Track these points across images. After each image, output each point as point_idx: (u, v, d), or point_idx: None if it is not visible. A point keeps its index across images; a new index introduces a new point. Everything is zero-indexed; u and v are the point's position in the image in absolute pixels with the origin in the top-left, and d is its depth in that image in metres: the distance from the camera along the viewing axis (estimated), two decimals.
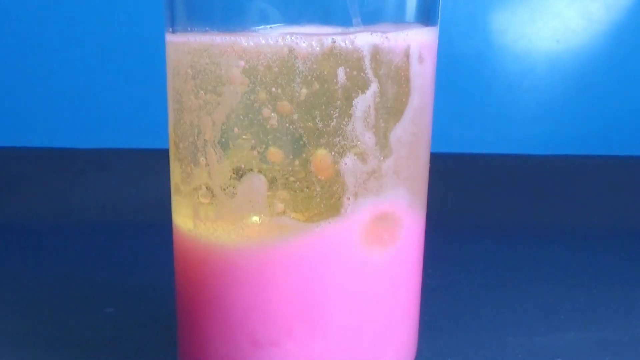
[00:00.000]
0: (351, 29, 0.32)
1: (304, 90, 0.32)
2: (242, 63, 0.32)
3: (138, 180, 0.80)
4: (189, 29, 0.34)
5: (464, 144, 0.83)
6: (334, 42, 0.32)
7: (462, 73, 0.83)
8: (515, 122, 0.84)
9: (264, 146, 0.33)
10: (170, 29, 0.36)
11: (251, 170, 0.33)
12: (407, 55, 0.33)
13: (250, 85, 0.32)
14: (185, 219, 0.36)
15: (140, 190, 0.78)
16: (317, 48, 0.32)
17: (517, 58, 0.83)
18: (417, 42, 0.34)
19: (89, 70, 0.83)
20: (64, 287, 0.55)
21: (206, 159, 0.34)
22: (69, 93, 0.83)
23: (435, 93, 0.37)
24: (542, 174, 0.82)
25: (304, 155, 0.33)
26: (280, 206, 0.33)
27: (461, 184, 0.80)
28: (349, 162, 0.33)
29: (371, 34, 0.32)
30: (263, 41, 0.32)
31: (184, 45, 0.34)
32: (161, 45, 0.37)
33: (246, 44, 0.32)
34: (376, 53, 0.33)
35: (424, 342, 0.42)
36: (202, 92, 0.34)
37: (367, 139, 0.33)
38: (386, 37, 0.33)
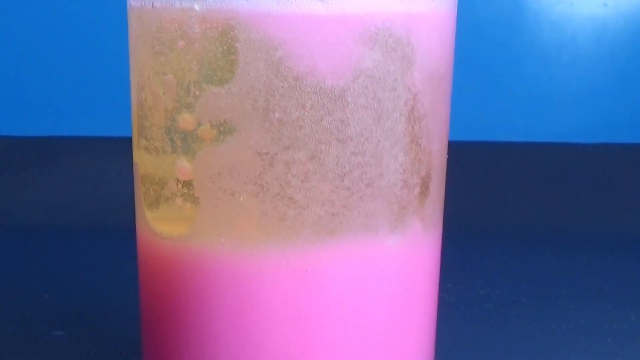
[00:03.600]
0: None
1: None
2: (228, 31, 0.33)
3: (93, 176, 0.80)
4: None
5: (489, 131, 0.84)
6: None
7: (487, 44, 0.84)
8: (553, 104, 0.85)
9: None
10: None
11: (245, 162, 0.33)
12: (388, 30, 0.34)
13: (237, 57, 0.33)
14: (156, 221, 0.36)
15: (95, 188, 0.78)
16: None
17: (555, 25, 0.83)
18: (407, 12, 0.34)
19: (32, 41, 0.83)
20: (3, 307, 0.55)
21: (178, 148, 0.34)
22: (5, 70, 0.83)
23: (454, 68, 0.38)
24: (586, 166, 0.82)
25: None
26: (286, 207, 0.33)
27: (486, 179, 0.80)
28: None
29: None
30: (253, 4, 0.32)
31: (151, 11, 0.34)
32: (122, 12, 0.38)
33: (238, 7, 0.32)
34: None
35: None
36: (175, 67, 0.34)
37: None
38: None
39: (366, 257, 0.34)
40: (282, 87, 0.33)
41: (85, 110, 0.83)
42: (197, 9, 0.33)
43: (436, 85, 0.36)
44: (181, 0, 0.33)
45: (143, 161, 0.36)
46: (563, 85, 0.84)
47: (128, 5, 0.36)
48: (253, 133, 0.33)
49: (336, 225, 0.34)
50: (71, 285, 0.59)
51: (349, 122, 0.33)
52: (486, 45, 0.83)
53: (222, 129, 0.33)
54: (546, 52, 0.84)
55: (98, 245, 0.69)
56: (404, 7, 0.34)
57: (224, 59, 0.33)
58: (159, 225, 0.36)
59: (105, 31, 0.79)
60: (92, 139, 0.82)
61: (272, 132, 0.33)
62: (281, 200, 0.33)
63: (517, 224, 0.77)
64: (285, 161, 0.33)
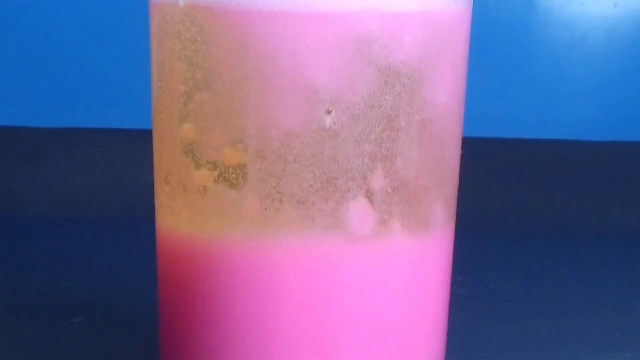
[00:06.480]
0: None
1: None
2: (256, 32, 0.32)
3: (110, 167, 0.80)
4: None
5: (501, 128, 0.84)
6: None
7: (499, 42, 0.84)
8: (564, 101, 0.85)
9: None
10: None
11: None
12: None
13: (264, 61, 0.32)
14: (175, 211, 0.36)
15: (113, 178, 0.79)
16: None
17: (566, 24, 0.84)
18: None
19: (53, 32, 0.83)
20: (22, 294, 0.56)
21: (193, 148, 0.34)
22: (29, 60, 0.84)
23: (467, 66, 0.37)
24: (596, 163, 0.83)
25: None
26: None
27: (498, 174, 0.80)
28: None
29: None
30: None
31: (172, 4, 0.34)
32: (143, 6, 0.37)
33: (265, 6, 0.32)
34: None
35: None
36: (197, 68, 0.34)
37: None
38: None
39: (378, 247, 0.34)
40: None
41: (104, 103, 0.84)
42: (181, 5, 0.33)
43: (446, 80, 0.35)
44: None
45: (168, 155, 0.36)
46: (573, 83, 0.85)
47: (150, 1, 0.36)
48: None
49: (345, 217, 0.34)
50: (89, 273, 0.60)
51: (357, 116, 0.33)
52: (498, 44, 0.84)
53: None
54: (557, 51, 0.84)
55: (116, 234, 0.70)
56: (421, 6, 0.34)
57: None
58: (181, 219, 0.36)
59: (126, 26, 0.79)
60: (111, 130, 0.82)
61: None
62: (295, 193, 0.33)
63: (527, 219, 0.77)
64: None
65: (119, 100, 0.83)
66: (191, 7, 0.33)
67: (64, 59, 0.84)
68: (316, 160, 0.33)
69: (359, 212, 0.33)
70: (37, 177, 0.80)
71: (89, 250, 0.66)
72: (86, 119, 0.83)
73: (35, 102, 0.84)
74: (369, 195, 0.33)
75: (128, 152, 0.78)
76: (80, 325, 0.50)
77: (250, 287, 0.34)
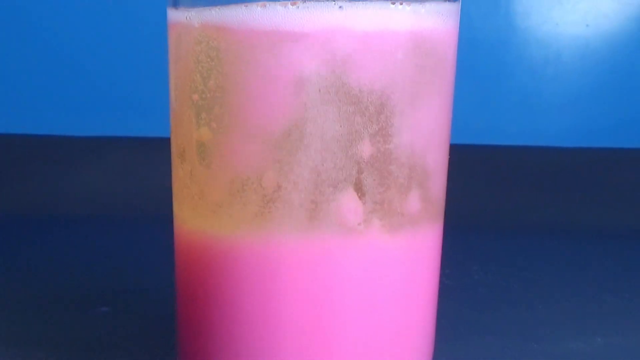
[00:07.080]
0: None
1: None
2: (266, 46, 0.32)
3: (134, 172, 0.81)
4: (196, 2, 0.34)
5: (483, 135, 0.84)
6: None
7: (482, 59, 0.85)
8: (540, 112, 0.86)
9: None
10: (172, 2, 0.36)
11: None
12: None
13: (274, 75, 0.32)
14: (188, 209, 0.37)
15: (136, 182, 0.80)
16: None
17: (542, 43, 0.85)
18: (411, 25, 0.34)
19: (81, 49, 0.84)
20: (55, 286, 0.56)
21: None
22: (59, 74, 0.84)
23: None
24: (569, 168, 0.83)
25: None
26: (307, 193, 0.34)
27: (481, 178, 0.81)
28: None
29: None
30: (291, 17, 0.32)
31: (187, 24, 0.34)
32: (162, 25, 0.38)
33: (268, 21, 0.32)
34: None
35: (441, 349, 0.41)
36: (210, 82, 0.34)
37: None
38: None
39: (377, 247, 0.35)
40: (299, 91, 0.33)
41: (128, 113, 0.85)
42: (196, 25, 0.34)
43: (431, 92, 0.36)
44: (215, 19, 0.33)
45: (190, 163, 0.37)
46: (549, 96, 0.86)
47: (168, 20, 0.37)
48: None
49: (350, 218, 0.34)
50: (115, 267, 0.61)
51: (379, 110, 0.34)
52: (481, 60, 0.85)
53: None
54: (534, 67, 0.85)
55: (138, 232, 0.71)
56: (415, 26, 0.34)
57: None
58: (190, 214, 0.36)
59: (148, 44, 0.79)
60: (134, 139, 0.83)
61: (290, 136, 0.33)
62: (293, 190, 0.33)
63: (508, 218, 0.78)
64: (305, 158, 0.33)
65: (142, 112, 0.84)
66: (204, 26, 0.34)
67: (95, 77, 0.85)
68: (310, 158, 0.33)
69: (349, 207, 0.34)
70: (67, 181, 0.81)
71: (115, 246, 0.67)
72: (112, 127, 0.84)
73: (67, 113, 0.85)
74: (359, 191, 0.34)
75: (150, 158, 0.78)
76: (107, 314, 0.51)
77: (255, 278, 0.34)
